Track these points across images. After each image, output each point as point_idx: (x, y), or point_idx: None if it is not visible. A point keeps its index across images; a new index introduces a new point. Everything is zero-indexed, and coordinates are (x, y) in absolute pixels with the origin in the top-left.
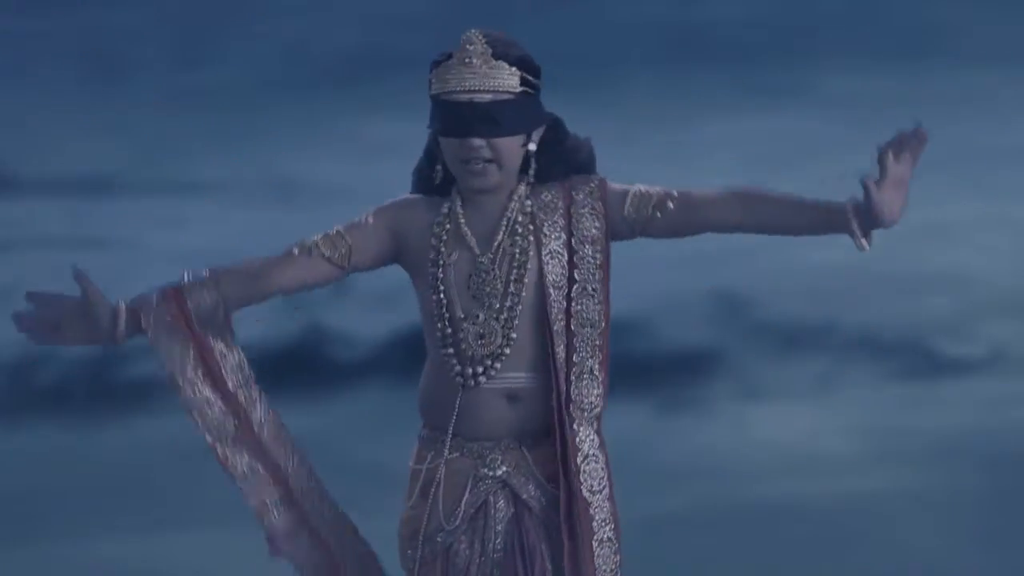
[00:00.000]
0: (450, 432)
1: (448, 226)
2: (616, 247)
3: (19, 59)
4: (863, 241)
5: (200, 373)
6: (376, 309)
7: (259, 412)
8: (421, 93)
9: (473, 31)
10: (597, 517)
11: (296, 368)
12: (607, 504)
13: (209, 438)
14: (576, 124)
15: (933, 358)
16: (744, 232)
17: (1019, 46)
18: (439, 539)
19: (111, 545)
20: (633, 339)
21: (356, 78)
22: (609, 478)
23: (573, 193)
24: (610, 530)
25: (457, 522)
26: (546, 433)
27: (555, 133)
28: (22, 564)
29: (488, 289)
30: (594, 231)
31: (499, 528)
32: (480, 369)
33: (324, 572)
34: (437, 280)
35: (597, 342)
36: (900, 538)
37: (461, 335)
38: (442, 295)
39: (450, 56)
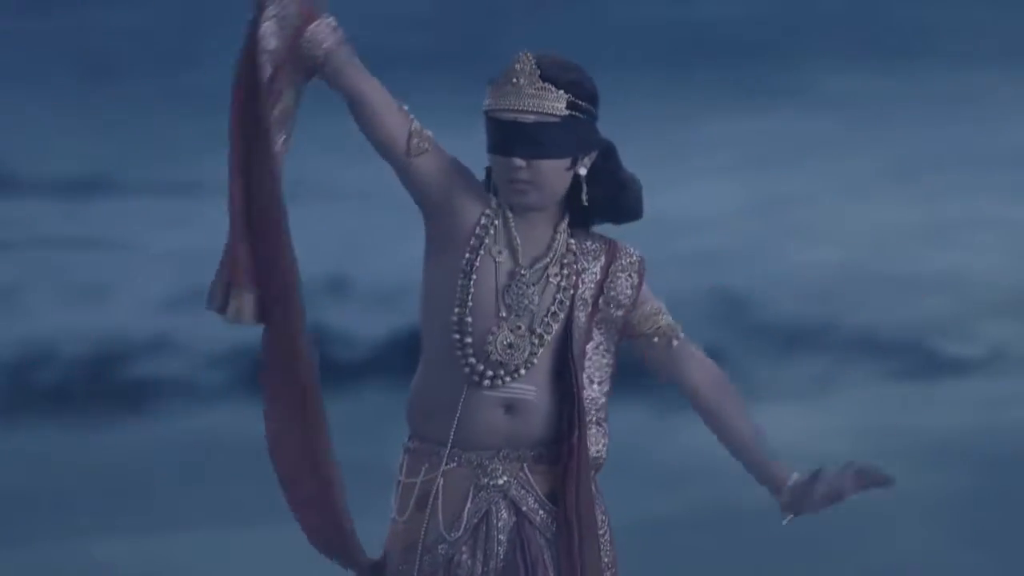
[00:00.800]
0: (451, 437)
1: (497, 222)
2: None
3: (19, 59)
4: (785, 518)
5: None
6: (376, 309)
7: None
8: (422, 93)
9: (524, 52)
10: (599, 547)
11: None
12: (606, 552)
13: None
14: None
15: (933, 358)
16: (697, 408)
17: (1018, 46)
18: (440, 550)
19: (111, 545)
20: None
21: None
22: (608, 525)
23: (616, 254)
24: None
25: (459, 532)
26: (543, 446)
27: (607, 162)
28: (22, 564)
29: (525, 303)
30: (624, 298)
31: (502, 538)
32: (490, 373)
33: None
34: (473, 268)
35: (602, 400)
36: (899, 538)
37: (489, 337)
38: (472, 284)
39: (504, 74)
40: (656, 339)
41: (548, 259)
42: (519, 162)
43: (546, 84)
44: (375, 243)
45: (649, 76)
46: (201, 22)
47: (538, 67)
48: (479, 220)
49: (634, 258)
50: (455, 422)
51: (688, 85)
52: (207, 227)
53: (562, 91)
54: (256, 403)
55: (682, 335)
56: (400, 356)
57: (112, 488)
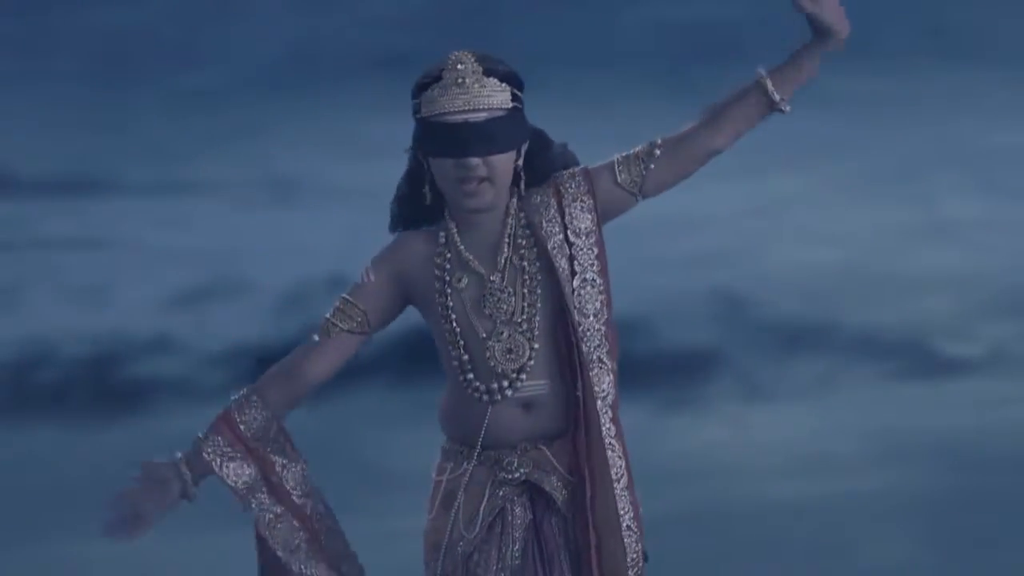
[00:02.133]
0: (478, 448)
1: (449, 254)
2: (617, 247)
3: (19, 59)
4: (777, 98)
5: (266, 491)
6: None
7: (325, 523)
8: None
9: (460, 52)
10: (618, 505)
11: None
12: (626, 493)
13: (281, 553)
14: (575, 124)
15: (933, 358)
16: (725, 149)
17: (1018, 46)
18: (459, 549)
19: (111, 545)
20: (633, 339)
21: (356, 78)
22: (627, 468)
23: (562, 189)
24: (630, 519)
25: (476, 530)
26: (561, 432)
27: (539, 144)
28: (22, 564)
29: (504, 307)
30: (587, 223)
31: (517, 535)
32: (505, 383)
33: None
34: (448, 309)
35: (603, 331)
36: (899, 537)
37: (487, 354)
38: (454, 323)
39: (438, 78)
40: (652, 164)
41: (507, 250)
42: (475, 161)
43: (490, 79)
44: (375, 243)
45: (649, 76)
46: (201, 22)
47: (479, 63)
48: (433, 268)
49: (577, 179)
50: (482, 434)
51: (688, 85)
52: (207, 227)
53: (505, 83)
54: None
55: (658, 143)
56: (400, 356)
57: (112, 488)
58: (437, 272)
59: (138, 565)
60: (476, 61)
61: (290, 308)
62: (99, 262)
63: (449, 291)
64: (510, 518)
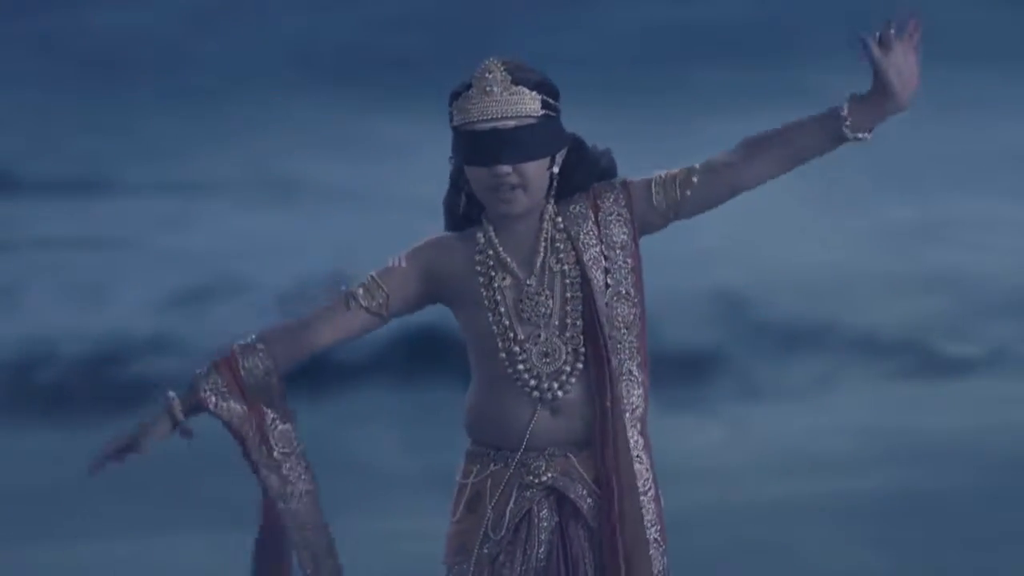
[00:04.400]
0: (523, 446)
1: (490, 253)
2: None
3: (19, 59)
4: (858, 132)
5: (257, 440)
6: None
7: (301, 486)
8: (421, 92)
9: (491, 60)
10: (644, 518)
11: (296, 368)
12: (652, 505)
13: (280, 503)
14: (575, 125)
15: (933, 358)
16: (772, 176)
17: (1018, 46)
18: (485, 551)
19: (111, 545)
20: None
21: (356, 78)
22: (654, 480)
23: (599, 202)
24: (656, 531)
25: (502, 532)
26: (587, 439)
27: (578, 152)
28: (22, 564)
29: (542, 310)
30: (623, 237)
31: (543, 537)
32: (556, 384)
33: None
34: (496, 304)
35: (635, 344)
36: (899, 537)
37: (524, 356)
38: (503, 317)
39: (469, 87)
40: (688, 191)
41: (542, 252)
42: (506, 169)
43: (519, 87)
44: (375, 243)
45: (649, 76)
46: (201, 22)
47: (508, 72)
48: (474, 260)
49: (616, 191)
50: (528, 434)
51: (688, 86)
52: (207, 227)
53: (535, 92)
54: None
55: (695, 169)
56: (400, 356)
57: (112, 488)
58: (480, 269)
59: (138, 565)
60: (505, 70)
61: (290, 308)
62: (99, 262)
63: (496, 286)
64: (536, 520)
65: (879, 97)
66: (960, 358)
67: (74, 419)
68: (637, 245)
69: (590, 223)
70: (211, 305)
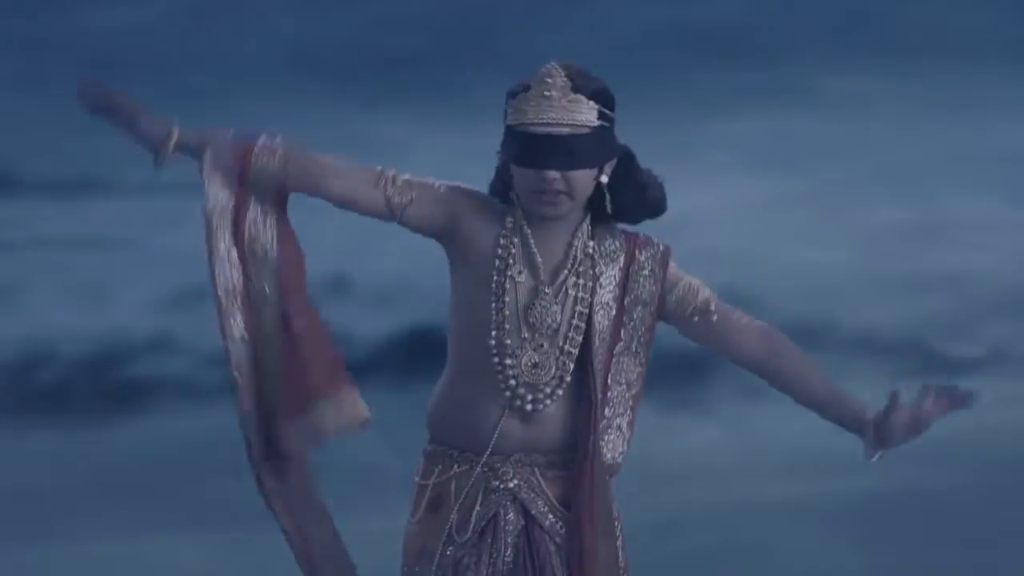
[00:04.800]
0: (489, 451)
1: (516, 240)
2: None
3: (19, 59)
4: (874, 455)
5: (229, 227)
6: (376, 309)
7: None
8: (421, 92)
9: (553, 64)
10: (619, 558)
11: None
12: (620, 554)
13: (219, 292)
14: None
15: (933, 358)
16: (759, 376)
17: (1018, 46)
18: (448, 553)
19: (111, 545)
20: None
21: (356, 78)
22: (620, 529)
23: (636, 252)
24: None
25: (467, 535)
26: (556, 453)
27: (627, 166)
28: (22, 564)
29: (549, 322)
30: (648, 295)
31: (509, 540)
32: (530, 397)
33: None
34: (503, 292)
35: (631, 402)
36: (899, 537)
37: (511, 360)
38: (505, 308)
39: (528, 88)
40: (696, 318)
41: (567, 270)
42: (554, 174)
43: (578, 96)
44: (375, 243)
45: (649, 77)
46: (201, 22)
47: (569, 79)
48: (498, 241)
49: (658, 251)
50: (494, 438)
51: (688, 86)
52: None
53: (592, 102)
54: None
55: (719, 308)
56: (400, 356)
57: (112, 488)
58: (501, 252)
59: (138, 565)
60: (566, 76)
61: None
62: (99, 262)
63: (509, 274)
64: (502, 523)
65: (877, 432)
66: (960, 358)
67: (74, 419)
68: (657, 308)
69: (617, 268)
70: (211, 305)
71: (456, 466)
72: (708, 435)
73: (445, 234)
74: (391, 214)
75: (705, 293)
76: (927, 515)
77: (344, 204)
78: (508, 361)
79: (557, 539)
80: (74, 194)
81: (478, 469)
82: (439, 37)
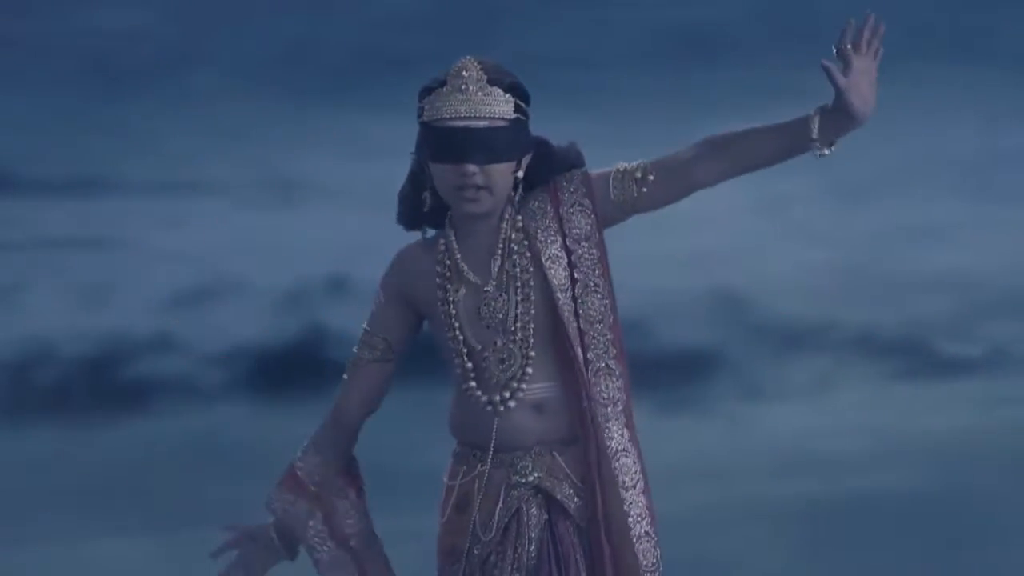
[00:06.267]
0: (490, 454)
1: (448, 262)
2: (616, 246)
3: (19, 59)
4: (823, 148)
5: (326, 531)
6: None
7: (373, 566)
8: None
9: (467, 58)
10: (632, 513)
11: (296, 368)
12: (642, 499)
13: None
14: (575, 125)
15: (933, 358)
16: (728, 178)
17: (1018, 46)
18: (476, 552)
19: (111, 545)
20: (633, 339)
21: (356, 78)
22: (643, 472)
23: (559, 194)
24: (647, 524)
25: (492, 533)
26: (574, 436)
27: (543, 155)
28: (22, 564)
29: (500, 316)
30: (586, 228)
31: (532, 535)
32: (507, 394)
33: None
34: (451, 318)
35: (609, 336)
36: (899, 537)
37: (484, 364)
38: (457, 332)
39: (443, 83)
40: (644, 188)
41: (500, 258)
42: (472, 168)
43: (494, 88)
44: (375, 243)
45: (649, 77)
46: (201, 22)
47: (484, 72)
48: (436, 280)
49: (576, 182)
50: (492, 441)
51: (688, 86)
52: (207, 227)
53: (508, 94)
54: (256, 403)
55: (653, 167)
56: (400, 356)
57: (112, 488)
58: (439, 281)
59: (137, 565)
60: (481, 69)
61: (290, 308)
62: (99, 262)
63: (451, 299)
64: (525, 519)
65: (841, 116)
66: (960, 358)
67: (74, 419)
68: (602, 235)
69: (549, 218)
70: (211, 305)
71: (480, 465)
72: (708, 435)
73: (416, 312)
74: (392, 362)
75: (635, 164)
76: (927, 515)
77: (373, 404)
78: (473, 384)
79: (582, 523)
80: (74, 194)
81: (498, 467)
82: (439, 37)
